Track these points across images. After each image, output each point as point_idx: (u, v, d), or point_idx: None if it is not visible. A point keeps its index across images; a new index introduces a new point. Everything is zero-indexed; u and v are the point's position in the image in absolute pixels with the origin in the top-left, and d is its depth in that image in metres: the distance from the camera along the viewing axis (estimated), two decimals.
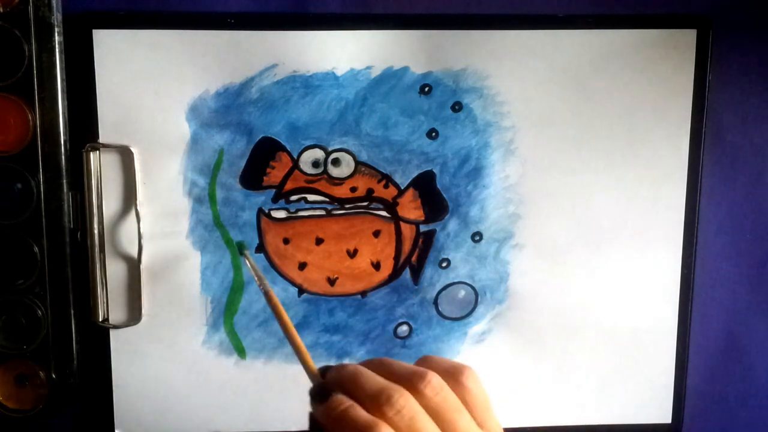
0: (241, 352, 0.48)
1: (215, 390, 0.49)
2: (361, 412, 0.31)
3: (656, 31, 0.46)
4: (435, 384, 0.32)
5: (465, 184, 0.47)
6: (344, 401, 0.32)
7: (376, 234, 0.48)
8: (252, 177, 0.47)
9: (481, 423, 0.33)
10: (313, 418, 0.33)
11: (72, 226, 0.46)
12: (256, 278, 0.40)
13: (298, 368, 0.49)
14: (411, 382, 0.32)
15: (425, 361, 0.35)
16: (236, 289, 0.48)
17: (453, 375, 0.34)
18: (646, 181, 0.48)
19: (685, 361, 0.50)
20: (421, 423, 0.31)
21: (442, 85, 0.46)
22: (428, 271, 0.48)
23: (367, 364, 0.34)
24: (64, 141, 0.45)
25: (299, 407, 0.49)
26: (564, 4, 0.46)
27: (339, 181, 0.47)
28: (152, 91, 0.45)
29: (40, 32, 0.43)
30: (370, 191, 0.47)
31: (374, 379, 0.33)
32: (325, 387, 0.33)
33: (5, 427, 0.48)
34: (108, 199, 0.46)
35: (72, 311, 0.46)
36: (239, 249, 0.46)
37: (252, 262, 0.41)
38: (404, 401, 0.31)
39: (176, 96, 0.45)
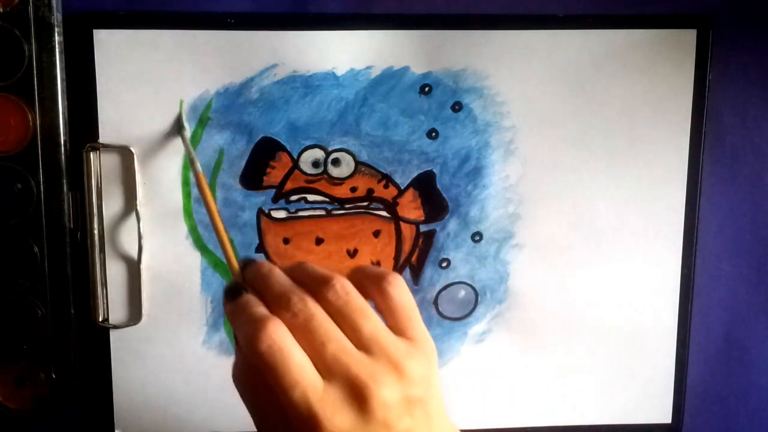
0: None
1: (215, 390, 0.49)
2: (259, 309, 0.32)
3: (656, 31, 0.46)
4: (338, 288, 0.32)
5: (465, 184, 0.47)
6: (250, 300, 0.32)
7: (376, 234, 0.48)
8: (252, 177, 0.47)
9: (402, 330, 0.33)
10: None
11: (72, 226, 0.46)
12: (189, 158, 0.42)
13: None
14: (316, 287, 0.32)
15: (355, 271, 0.34)
16: None
17: (376, 282, 0.33)
18: (646, 181, 0.48)
19: (685, 361, 0.50)
20: (317, 323, 0.31)
21: (442, 85, 0.46)
22: (428, 271, 0.48)
23: (288, 267, 0.34)
24: (64, 141, 0.45)
25: None
26: (564, 4, 0.46)
27: (339, 181, 0.47)
28: (152, 91, 0.45)
29: (40, 32, 0.43)
30: (370, 191, 0.47)
31: (281, 282, 0.33)
32: (239, 286, 0.33)
33: (5, 427, 0.48)
34: (108, 199, 0.46)
35: (72, 311, 0.46)
36: (179, 126, 0.45)
37: (188, 143, 0.44)
38: (302, 305, 0.31)
39: (176, 96, 0.45)
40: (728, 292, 0.50)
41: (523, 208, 0.48)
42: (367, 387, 0.30)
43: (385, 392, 0.30)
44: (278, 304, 0.32)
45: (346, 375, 0.30)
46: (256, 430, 0.31)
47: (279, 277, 0.34)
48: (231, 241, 0.37)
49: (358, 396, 0.30)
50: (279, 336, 0.30)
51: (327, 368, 0.30)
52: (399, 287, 0.33)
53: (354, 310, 0.32)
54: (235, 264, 0.36)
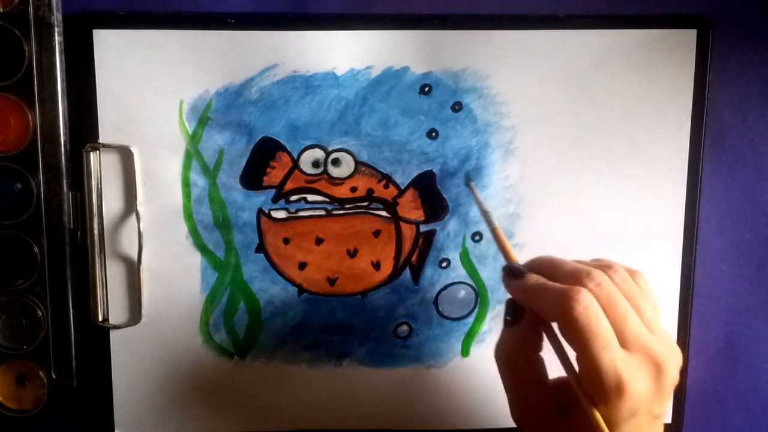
0: (241, 352, 0.48)
1: (215, 390, 0.49)
2: (559, 284, 0.35)
3: (656, 31, 0.46)
4: (621, 272, 0.36)
5: (465, 184, 0.47)
6: (541, 278, 0.36)
7: (376, 234, 0.48)
8: (252, 177, 0.47)
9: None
10: (509, 304, 0.38)
11: (72, 226, 0.46)
12: (480, 211, 0.44)
13: (298, 368, 0.49)
14: (600, 268, 0.36)
15: (601, 262, 0.37)
16: (236, 289, 0.48)
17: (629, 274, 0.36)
18: (646, 181, 0.48)
19: (685, 361, 0.50)
20: (619, 298, 0.34)
21: (442, 85, 0.46)
22: (428, 271, 0.48)
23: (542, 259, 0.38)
24: (64, 141, 0.45)
25: (299, 407, 0.50)
26: (564, 4, 0.46)
27: (339, 181, 0.47)
28: (152, 91, 0.45)
29: (40, 32, 0.43)
30: (370, 191, 0.47)
31: (572, 264, 0.36)
32: (521, 268, 0.37)
33: (5, 427, 0.48)
34: (108, 199, 0.46)
35: (72, 311, 0.46)
36: (466, 179, 0.47)
37: (477, 194, 0.45)
38: (602, 277, 0.35)
39: (176, 96, 0.45)
40: (728, 292, 0.50)
41: (523, 208, 0.48)
42: (662, 361, 0.34)
43: (673, 369, 0.34)
44: (576, 277, 0.35)
45: (645, 348, 0.34)
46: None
47: (566, 261, 0.37)
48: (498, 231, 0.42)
49: (655, 368, 0.34)
50: (593, 302, 0.33)
51: (626, 339, 0.34)
52: (648, 283, 0.37)
53: (636, 293, 0.35)
54: (512, 253, 0.40)
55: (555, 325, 0.37)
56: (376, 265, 0.48)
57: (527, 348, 0.38)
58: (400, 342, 0.49)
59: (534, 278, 0.36)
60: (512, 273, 0.38)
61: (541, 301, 0.35)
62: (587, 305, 0.33)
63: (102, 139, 0.45)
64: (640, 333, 0.34)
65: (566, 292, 0.34)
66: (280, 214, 0.47)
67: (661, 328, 0.36)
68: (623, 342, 0.34)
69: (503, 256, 0.41)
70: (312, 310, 0.48)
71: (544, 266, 0.38)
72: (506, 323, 0.39)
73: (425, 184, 0.47)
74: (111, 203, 0.46)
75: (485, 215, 0.43)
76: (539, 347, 0.38)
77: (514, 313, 0.38)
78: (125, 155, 0.46)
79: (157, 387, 0.48)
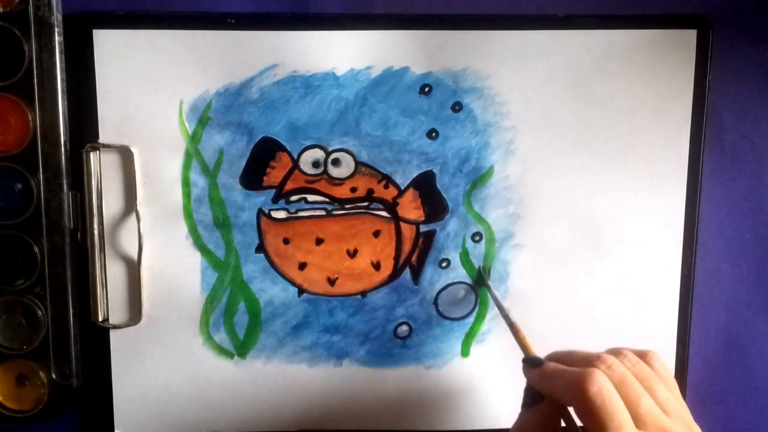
0: (241, 352, 0.48)
1: (215, 390, 0.49)
2: (575, 368, 0.36)
3: (656, 31, 0.46)
4: (630, 357, 0.37)
5: (465, 184, 0.47)
6: (558, 365, 0.37)
7: (376, 234, 0.48)
8: (252, 177, 0.47)
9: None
10: (528, 390, 0.39)
11: (72, 226, 0.46)
12: (498, 308, 0.46)
13: (298, 368, 0.49)
14: (611, 354, 0.37)
15: (611, 350, 0.39)
16: (236, 289, 0.48)
17: (640, 356, 0.38)
18: (646, 182, 0.48)
19: (685, 361, 0.50)
20: (631, 379, 0.35)
21: (442, 86, 0.46)
22: (428, 271, 0.48)
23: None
24: (64, 141, 0.45)
25: (299, 407, 0.50)
26: (564, 4, 0.46)
27: (339, 182, 0.47)
28: (152, 91, 0.45)
29: (40, 32, 0.44)
30: (370, 191, 0.47)
31: (584, 352, 0.38)
32: (538, 358, 0.39)
33: (5, 427, 0.48)
34: (108, 199, 0.46)
35: (72, 311, 0.46)
36: (481, 277, 0.48)
37: (494, 291, 0.47)
38: (613, 360, 0.36)
39: (176, 96, 0.45)
40: (728, 292, 0.50)
41: (523, 208, 0.48)
42: None
43: None
44: (588, 363, 0.36)
45: (660, 428, 0.34)
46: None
47: (578, 350, 0.39)
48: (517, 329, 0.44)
49: None
50: (606, 382, 0.34)
51: (641, 419, 0.34)
52: (662, 361, 0.39)
53: (649, 375, 0.37)
54: (530, 347, 0.42)
55: (572, 410, 0.37)
56: (376, 266, 0.48)
57: (545, 431, 0.38)
58: (400, 342, 0.49)
59: (551, 365, 0.38)
60: (531, 363, 0.39)
61: (558, 384, 0.36)
62: (601, 386, 0.34)
63: (102, 139, 0.45)
64: (655, 413, 0.35)
65: (580, 374, 0.35)
66: (280, 214, 0.47)
67: (680, 408, 0.36)
68: (638, 423, 0.34)
69: (522, 350, 0.42)
70: (312, 310, 0.48)
71: (559, 357, 0.39)
72: (525, 408, 0.40)
73: (425, 184, 0.47)
74: (111, 203, 0.46)
75: (503, 311, 0.45)
76: (557, 431, 0.38)
77: (532, 398, 0.39)
78: (125, 155, 0.46)
79: (157, 387, 0.48)
